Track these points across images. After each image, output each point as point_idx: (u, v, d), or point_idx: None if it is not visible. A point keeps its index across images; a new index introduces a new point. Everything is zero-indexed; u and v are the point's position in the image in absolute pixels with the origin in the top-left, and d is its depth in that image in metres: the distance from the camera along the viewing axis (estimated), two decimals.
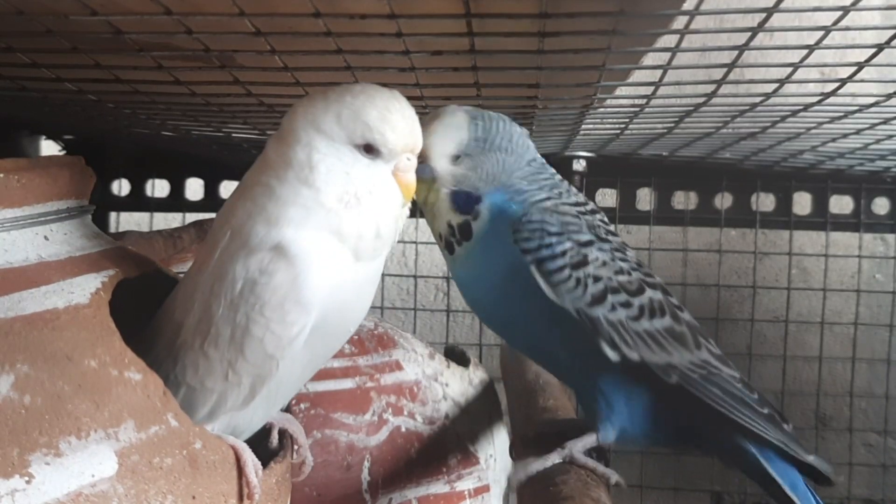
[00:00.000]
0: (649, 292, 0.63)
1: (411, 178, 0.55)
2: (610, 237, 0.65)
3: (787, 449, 0.62)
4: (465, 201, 0.63)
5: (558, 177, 0.67)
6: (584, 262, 0.61)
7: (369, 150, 0.52)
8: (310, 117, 0.52)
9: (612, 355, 0.61)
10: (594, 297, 0.61)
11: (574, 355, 0.63)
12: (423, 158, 0.60)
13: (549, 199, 0.64)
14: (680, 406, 0.62)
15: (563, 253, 0.61)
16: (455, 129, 0.62)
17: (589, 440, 0.62)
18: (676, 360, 0.61)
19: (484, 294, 0.66)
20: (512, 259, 0.62)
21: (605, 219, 0.67)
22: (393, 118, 0.52)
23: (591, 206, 0.67)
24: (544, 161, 0.66)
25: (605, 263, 0.62)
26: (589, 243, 0.63)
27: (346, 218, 0.51)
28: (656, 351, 0.61)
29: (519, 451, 0.69)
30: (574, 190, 0.68)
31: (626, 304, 0.62)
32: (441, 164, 0.62)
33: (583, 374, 0.64)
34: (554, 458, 0.61)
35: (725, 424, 0.62)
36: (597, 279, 0.61)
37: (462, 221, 0.64)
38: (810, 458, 0.63)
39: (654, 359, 0.61)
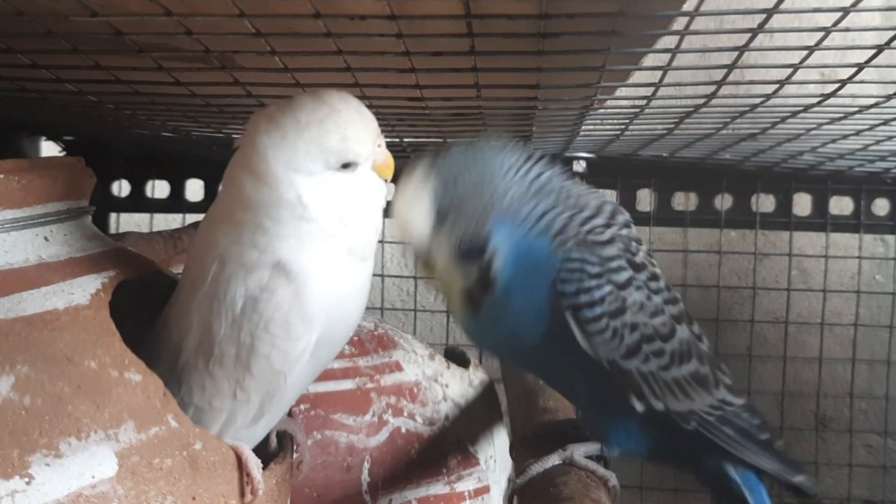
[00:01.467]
0: (679, 332, 0.60)
1: (386, 158, 0.55)
2: (640, 253, 0.61)
3: (781, 476, 0.63)
4: (469, 251, 0.57)
5: (563, 177, 0.60)
6: (622, 310, 0.58)
7: (346, 166, 0.52)
8: (283, 160, 0.51)
9: (638, 406, 0.59)
10: (629, 349, 0.58)
11: (596, 397, 0.62)
12: (408, 237, 0.58)
13: (576, 224, 0.58)
14: (691, 444, 0.62)
15: (602, 300, 0.57)
16: (421, 191, 0.57)
17: (592, 447, 0.62)
18: (697, 406, 0.60)
19: (505, 333, 0.60)
20: (546, 298, 0.57)
21: (624, 219, 0.62)
22: (353, 132, 0.52)
23: (609, 207, 0.61)
24: (544, 170, 0.60)
25: (642, 306, 0.59)
26: (628, 283, 0.58)
27: (350, 234, 0.52)
28: (681, 399, 0.60)
29: (519, 452, 0.69)
30: (587, 192, 0.61)
31: (659, 353, 0.59)
32: (425, 234, 0.57)
33: (599, 409, 0.63)
34: (554, 460, 0.61)
35: (727, 457, 0.62)
36: (633, 328, 0.58)
37: (477, 277, 0.57)
38: (800, 479, 0.63)
39: (678, 407, 0.60)
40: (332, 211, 0.52)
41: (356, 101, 0.53)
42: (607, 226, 0.60)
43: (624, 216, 0.62)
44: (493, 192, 0.57)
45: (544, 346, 0.60)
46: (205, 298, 0.52)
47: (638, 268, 0.60)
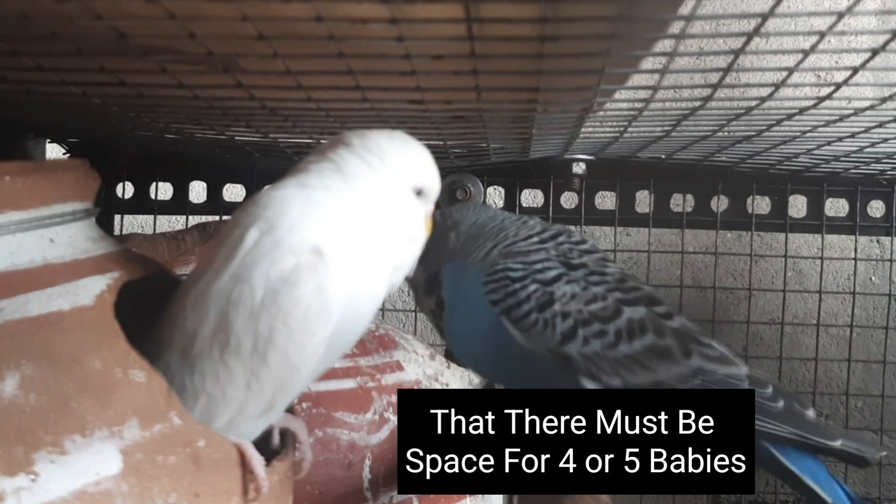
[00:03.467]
0: (627, 312, 0.63)
1: (430, 218, 0.62)
2: (585, 258, 0.65)
3: (807, 440, 0.61)
4: (430, 282, 0.69)
5: (510, 218, 0.70)
6: (549, 302, 0.62)
7: (419, 193, 0.59)
8: (395, 154, 0.58)
9: (590, 385, 0.62)
10: (564, 335, 0.62)
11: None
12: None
13: (501, 244, 0.67)
14: None
15: (528, 297, 0.62)
16: None
17: None
18: (663, 377, 0.62)
19: (472, 350, 0.68)
20: (486, 314, 0.64)
21: (577, 238, 0.68)
22: (434, 171, 0.60)
23: (554, 229, 0.68)
24: (491, 216, 0.71)
25: (574, 296, 0.63)
26: (556, 279, 0.63)
27: (408, 251, 0.58)
28: (639, 373, 0.62)
29: None
30: (532, 222, 0.70)
31: (600, 334, 0.62)
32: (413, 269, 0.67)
33: None
34: None
35: None
36: (565, 316, 0.62)
37: (436, 300, 0.68)
38: (838, 444, 0.62)
39: (638, 380, 0.61)
40: (406, 224, 0.58)
41: None
42: (541, 242, 0.67)
43: (573, 235, 0.69)
44: (451, 239, 0.69)
45: (505, 355, 0.65)
46: (225, 284, 0.52)
47: (573, 267, 0.65)
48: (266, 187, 0.58)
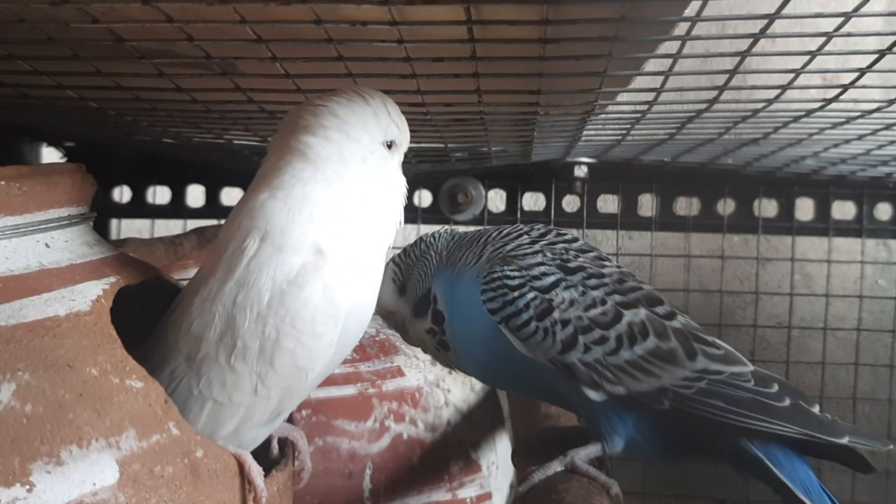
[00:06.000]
0: (628, 316, 0.61)
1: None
2: (581, 258, 0.64)
3: (814, 438, 0.59)
4: (422, 303, 0.67)
5: (487, 229, 0.70)
6: (548, 310, 0.61)
7: (390, 146, 0.56)
8: (356, 118, 0.54)
9: (594, 395, 0.60)
10: (564, 344, 0.60)
11: (565, 396, 0.63)
12: (387, 316, 0.70)
13: (492, 246, 0.66)
14: (680, 425, 0.61)
15: (527, 306, 0.61)
16: (385, 275, 0.64)
17: (593, 450, 0.62)
18: (667, 382, 0.60)
19: (475, 358, 0.67)
20: (485, 320, 0.63)
21: (570, 237, 0.67)
22: (399, 114, 0.57)
23: (541, 227, 0.68)
24: (465, 231, 0.71)
25: (573, 303, 0.61)
26: (554, 285, 0.62)
27: (387, 207, 0.56)
28: (642, 378, 0.60)
29: (521, 458, 0.69)
30: (514, 226, 0.69)
31: (601, 340, 0.60)
32: (395, 304, 0.69)
33: (579, 408, 0.64)
34: (555, 466, 0.61)
35: (733, 432, 0.60)
36: (564, 323, 0.60)
37: (432, 315, 0.67)
38: (844, 441, 0.59)
39: (641, 387, 0.60)
40: (381, 180, 0.55)
41: None
42: (533, 242, 0.65)
43: (564, 234, 0.68)
44: (431, 258, 0.68)
45: (506, 362, 0.63)
46: (231, 288, 0.51)
47: (571, 271, 0.63)
48: (241, 196, 0.56)
